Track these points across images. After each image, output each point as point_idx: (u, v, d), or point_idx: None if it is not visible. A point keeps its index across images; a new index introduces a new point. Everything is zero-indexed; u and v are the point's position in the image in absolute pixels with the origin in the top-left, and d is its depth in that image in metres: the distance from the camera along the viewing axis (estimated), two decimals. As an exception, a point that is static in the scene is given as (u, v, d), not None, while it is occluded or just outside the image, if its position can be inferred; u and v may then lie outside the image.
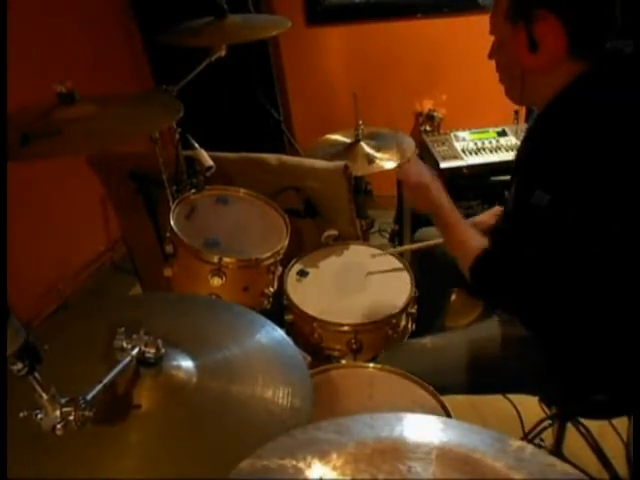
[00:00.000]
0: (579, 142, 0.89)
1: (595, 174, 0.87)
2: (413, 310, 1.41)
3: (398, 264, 1.52)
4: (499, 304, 1.09)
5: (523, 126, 2.08)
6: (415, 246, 1.58)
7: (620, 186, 0.86)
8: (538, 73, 0.98)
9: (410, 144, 1.95)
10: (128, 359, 0.74)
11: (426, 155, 2.10)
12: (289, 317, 1.40)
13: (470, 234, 1.09)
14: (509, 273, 0.99)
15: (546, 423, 1.42)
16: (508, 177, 1.14)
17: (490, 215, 1.41)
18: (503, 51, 1.04)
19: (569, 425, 1.40)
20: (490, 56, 1.07)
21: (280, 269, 1.43)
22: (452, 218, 1.12)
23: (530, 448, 0.51)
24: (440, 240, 1.41)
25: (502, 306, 1.11)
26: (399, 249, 1.64)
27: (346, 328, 1.31)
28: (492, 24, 1.03)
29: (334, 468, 0.50)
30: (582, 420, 1.39)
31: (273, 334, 0.90)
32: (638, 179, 0.86)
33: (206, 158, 1.48)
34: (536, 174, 0.96)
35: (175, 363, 0.80)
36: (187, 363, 0.82)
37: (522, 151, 1.15)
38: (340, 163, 1.57)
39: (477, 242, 1.05)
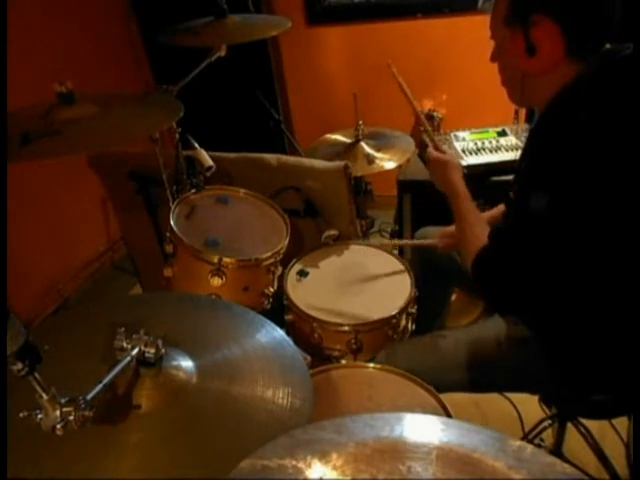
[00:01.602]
0: (574, 141, 0.89)
1: (591, 168, 0.87)
2: (413, 310, 1.41)
3: (398, 264, 1.52)
4: (499, 303, 1.09)
5: (523, 126, 2.08)
6: (407, 242, 1.58)
7: (617, 179, 0.86)
8: (537, 76, 0.99)
9: (410, 144, 1.94)
10: (128, 359, 0.74)
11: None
12: (289, 317, 1.40)
13: (478, 228, 1.10)
14: (509, 273, 0.99)
15: (546, 423, 1.42)
16: (508, 177, 1.14)
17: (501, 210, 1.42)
18: (503, 55, 1.05)
19: (569, 425, 1.40)
20: (492, 59, 1.08)
21: (280, 269, 1.43)
22: (464, 206, 1.15)
23: (530, 448, 0.51)
24: (433, 241, 1.43)
25: (502, 306, 1.10)
26: (392, 242, 1.62)
27: (346, 328, 1.31)
28: (492, 29, 1.04)
29: (334, 468, 0.50)
30: (582, 420, 1.39)
31: (273, 334, 0.90)
32: (632, 173, 0.86)
33: (206, 158, 1.48)
34: (531, 176, 0.96)
35: (175, 363, 0.80)
36: (187, 363, 0.82)
37: (523, 153, 1.15)
38: (340, 163, 1.57)
39: (482, 239, 1.05)
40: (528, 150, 1.10)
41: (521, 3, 0.95)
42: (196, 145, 1.49)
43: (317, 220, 1.66)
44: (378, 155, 1.87)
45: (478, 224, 1.12)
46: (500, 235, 1.03)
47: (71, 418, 0.64)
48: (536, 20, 0.92)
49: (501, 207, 1.43)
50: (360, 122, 1.91)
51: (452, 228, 1.31)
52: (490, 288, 1.05)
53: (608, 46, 0.96)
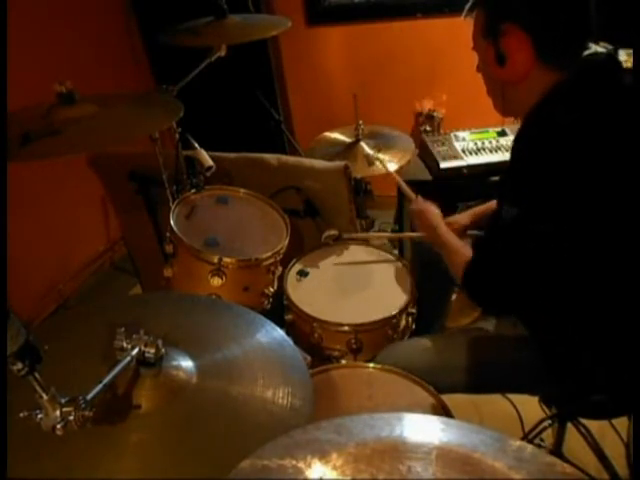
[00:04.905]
0: (544, 157, 0.90)
1: (558, 185, 0.88)
2: (413, 310, 1.41)
3: (398, 264, 1.52)
4: (489, 306, 1.15)
5: (523, 126, 2.08)
6: (394, 235, 1.58)
7: (583, 192, 0.87)
8: (515, 85, 1.00)
9: (410, 144, 1.94)
10: (128, 359, 0.74)
11: (426, 155, 2.10)
12: (289, 317, 1.40)
13: (464, 248, 1.16)
14: (492, 277, 1.04)
15: (546, 423, 1.42)
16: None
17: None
18: (484, 66, 1.06)
19: (569, 425, 1.40)
20: (477, 70, 1.10)
21: (280, 269, 1.43)
22: (448, 237, 1.22)
23: (530, 448, 0.51)
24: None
25: (492, 308, 1.17)
26: (376, 235, 1.63)
27: (346, 328, 1.31)
28: (473, 41, 1.06)
29: (334, 468, 0.50)
30: (582, 420, 1.39)
31: (273, 334, 0.90)
32: (602, 185, 0.87)
33: (206, 158, 1.48)
34: (504, 188, 1.00)
35: (175, 363, 0.80)
36: (187, 363, 0.82)
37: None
38: (340, 163, 1.57)
39: (468, 255, 1.11)
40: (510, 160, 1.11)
41: (494, 14, 0.96)
42: (196, 145, 1.49)
43: (317, 220, 1.66)
44: (378, 155, 1.86)
45: (464, 246, 1.18)
46: (480, 245, 1.10)
47: (71, 418, 0.64)
48: (506, 29, 0.94)
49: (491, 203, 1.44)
50: (360, 122, 1.91)
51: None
52: (478, 294, 1.09)
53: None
